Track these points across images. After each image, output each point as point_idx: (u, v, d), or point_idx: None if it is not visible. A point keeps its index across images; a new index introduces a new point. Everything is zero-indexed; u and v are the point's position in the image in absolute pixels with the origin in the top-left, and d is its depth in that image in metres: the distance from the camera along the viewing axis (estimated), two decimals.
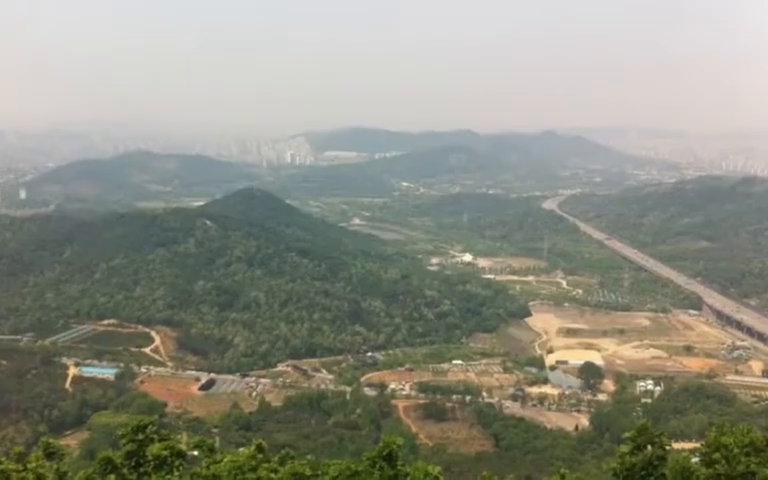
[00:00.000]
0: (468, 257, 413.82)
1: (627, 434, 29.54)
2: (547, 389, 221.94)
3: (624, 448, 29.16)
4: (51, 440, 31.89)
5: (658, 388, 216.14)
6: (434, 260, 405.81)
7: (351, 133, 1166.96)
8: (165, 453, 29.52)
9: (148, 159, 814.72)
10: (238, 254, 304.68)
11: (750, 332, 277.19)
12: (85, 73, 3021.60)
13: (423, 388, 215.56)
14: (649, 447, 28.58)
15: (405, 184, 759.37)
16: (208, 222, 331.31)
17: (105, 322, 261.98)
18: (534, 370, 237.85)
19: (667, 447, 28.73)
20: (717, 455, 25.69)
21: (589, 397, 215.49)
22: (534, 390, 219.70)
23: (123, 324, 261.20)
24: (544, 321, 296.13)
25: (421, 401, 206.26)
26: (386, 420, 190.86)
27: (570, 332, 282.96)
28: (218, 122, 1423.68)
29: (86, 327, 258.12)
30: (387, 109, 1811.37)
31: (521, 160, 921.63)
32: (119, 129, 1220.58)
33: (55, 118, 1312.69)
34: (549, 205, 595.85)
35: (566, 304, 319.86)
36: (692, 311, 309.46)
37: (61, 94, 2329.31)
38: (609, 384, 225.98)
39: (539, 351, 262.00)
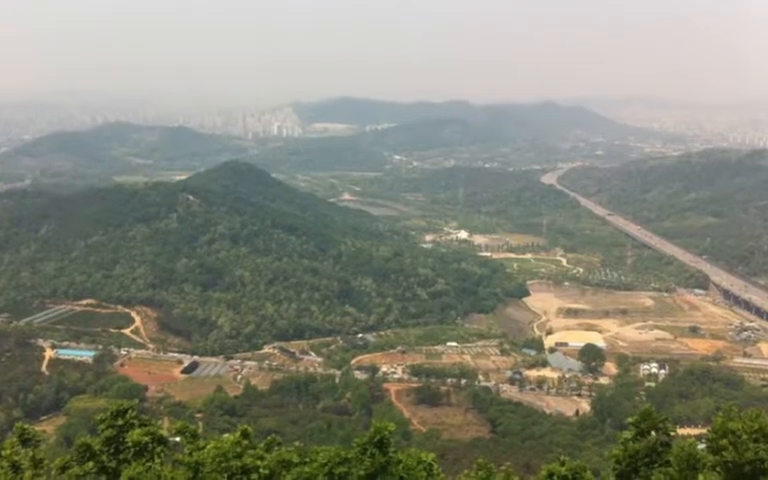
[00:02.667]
0: (463, 234, 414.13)
1: (630, 419, 29.56)
2: (546, 372, 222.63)
3: (627, 434, 29.17)
4: (26, 426, 31.81)
5: (662, 371, 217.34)
6: (428, 237, 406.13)
7: (340, 104, 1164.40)
8: (146, 439, 29.48)
9: (128, 131, 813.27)
10: (222, 231, 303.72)
11: (759, 312, 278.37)
12: (61, 41, 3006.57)
13: (416, 371, 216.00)
14: (653, 433, 28.61)
15: (397, 157, 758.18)
16: (191, 197, 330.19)
17: (83, 302, 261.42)
18: (532, 352, 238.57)
19: (672, 433, 28.75)
20: (724, 441, 25.66)
21: (590, 380, 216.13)
22: (533, 373, 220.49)
23: (102, 304, 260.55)
24: (543, 301, 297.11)
25: (414, 385, 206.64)
26: (377, 405, 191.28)
27: (570, 312, 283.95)
28: (201, 92, 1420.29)
29: (63, 307, 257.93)
30: (378, 79, 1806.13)
31: (519, 132, 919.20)
32: (98, 100, 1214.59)
33: (30, 88, 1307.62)
34: (548, 179, 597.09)
35: (566, 283, 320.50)
36: (698, 290, 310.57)
37: (36, 63, 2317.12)
38: (611, 367, 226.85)
39: (538, 332, 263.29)
